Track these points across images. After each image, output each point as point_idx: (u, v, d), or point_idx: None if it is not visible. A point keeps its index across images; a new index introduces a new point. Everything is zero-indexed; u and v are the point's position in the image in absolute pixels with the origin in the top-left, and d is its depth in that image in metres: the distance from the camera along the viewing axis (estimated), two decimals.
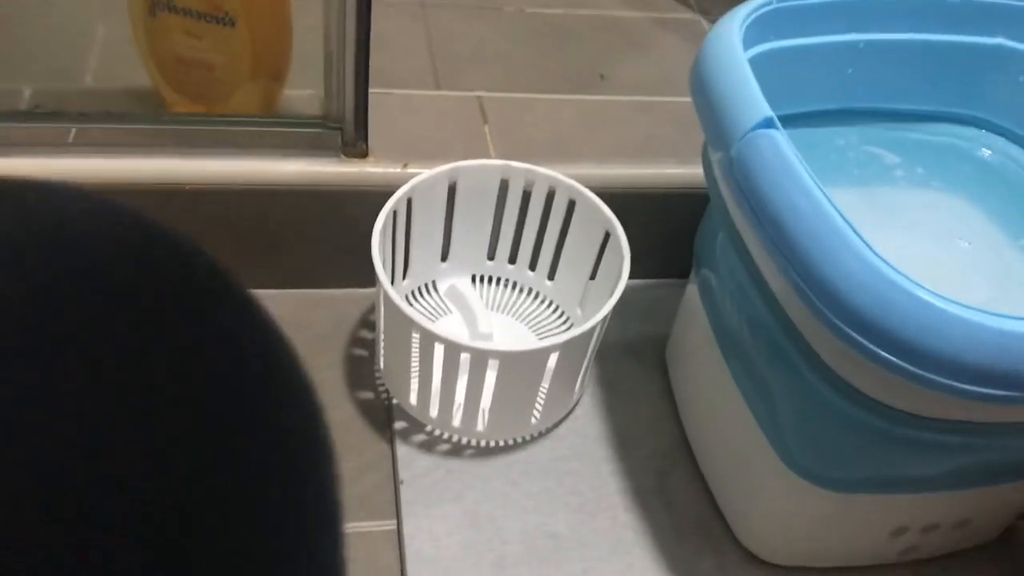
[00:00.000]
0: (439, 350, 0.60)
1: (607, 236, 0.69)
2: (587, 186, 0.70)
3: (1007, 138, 0.66)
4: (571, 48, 0.94)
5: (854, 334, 0.43)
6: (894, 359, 0.43)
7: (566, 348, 0.62)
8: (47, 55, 0.73)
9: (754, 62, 0.56)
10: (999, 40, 0.63)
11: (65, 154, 0.66)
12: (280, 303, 0.74)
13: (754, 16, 0.56)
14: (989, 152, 0.66)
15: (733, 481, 0.63)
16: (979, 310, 0.42)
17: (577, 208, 0.70)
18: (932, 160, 0.66)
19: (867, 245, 0.43)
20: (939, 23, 0.62)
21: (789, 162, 0.46)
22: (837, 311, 0.43)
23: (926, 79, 0.64)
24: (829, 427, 0.53)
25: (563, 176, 0.70)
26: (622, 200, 0.72)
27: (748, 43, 0.56)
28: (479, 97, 0.79)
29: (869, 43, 0.62)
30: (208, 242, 0.71)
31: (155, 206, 0.68)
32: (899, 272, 0.42)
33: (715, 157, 0.52)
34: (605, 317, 0.63)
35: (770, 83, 0.55)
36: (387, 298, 0.61)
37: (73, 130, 0.67)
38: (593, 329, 0.62)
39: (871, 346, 0.43)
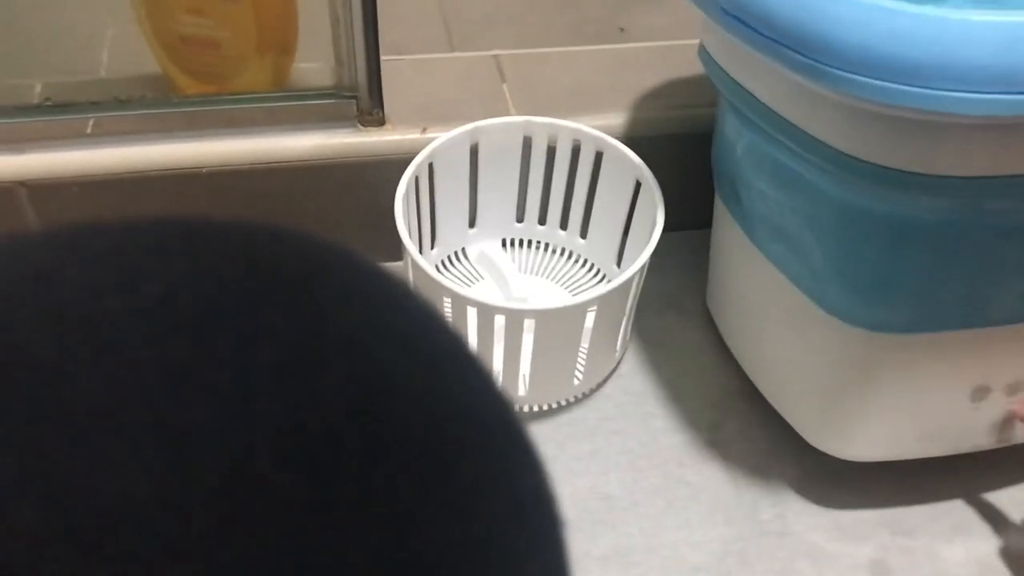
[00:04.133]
0: (472, 315, 0.58)
1: (638, 186, 0.66)
2: (612, 135, 0.68)
3: None
4: (588, 2, 0.92)
5: (856, 76, 0.43)
6: (900, 86, 0.42)
7: (604, 302, 0.59)
8: (55, 47, 0.72)
9: None
10: None
11: (82, 146, 0.65)
12: None
13: None
14: None
15: (794, 377, 0.61)
16: (975, 11, 0.41)
17: (605, 159, 0.68)
18: None
19: None
20: None
21: None
22: (837, 59, 0.43)
23: None
24: (859, 242, 0.51)
25: (587, 127, 0.67)
26: (650, 146, 0.69)
27: None
28: (495, 56, 0.77)
29: None
30: None
31: (174, 190, 0.67)
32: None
33: (709, 10, 0.52)
34: (643, 266, 0.61)
35: None
36: (415, 265, 0.59)
37: (91, 121, 0.66)
38: (631, 280, 0.60)
39: (872, 81, 0.43)
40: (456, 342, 0.18)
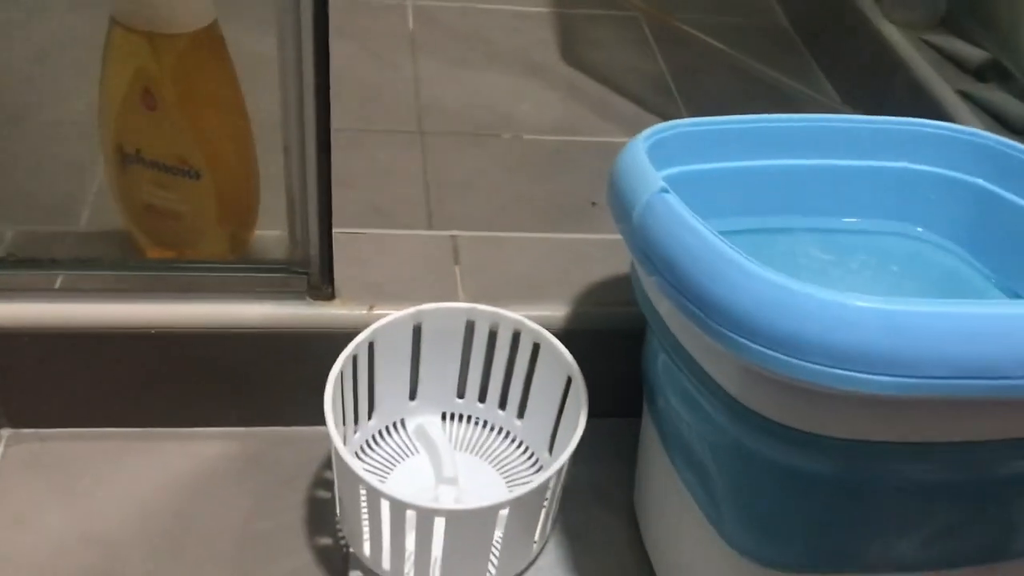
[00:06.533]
0: (385, 506, 0.59)
1: (570, 381, 0.68)
2: (554, 328, 0.70)
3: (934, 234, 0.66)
4: (565, 175, 0.95)
5: (740, 338, 0.45)
6: (778, 355, 0.44)
7: (517, 504, 0.60)
8: (30, 200, 0.76)
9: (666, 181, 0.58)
10: (903, 164, 0.65)
11: (40, 299, 0.68)
12: (247, 441, 0.74)
13: (656, 138, 0.60)
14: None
15: None
16: (857, 295, 0.44)
17: (541, 351, 0.70)
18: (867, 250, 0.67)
19: (743, 256, 0.46)
20: (844, 150, 0.64)
21: (677, 213, 0.51)
22: (724, 320, 0.46)
23: (840, 198, 0.65)
24: (752, 480, 0.52)
25: (527, 319, 0.69)
26: (590, 339, 0.71)
27: (659, 164, 0.57)
28: (453, 236, 0.80)
29: (773, 167, 0.64)
30: (176, 381, 0.71)
31: (126, 348, 0.69)
32: (771, 271, 0.45)
33: (627, 241, 0.55)
34: (560, 470, 0.62)
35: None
36: (336, 451, 0.60)
37: (60, 276, 0.69)
38: (545, 484, 0.61)
39: (755, 346, 0.45)
40: None
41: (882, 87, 1.04)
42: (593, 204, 0.92)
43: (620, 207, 0.56)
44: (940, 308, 0.43)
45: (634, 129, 1.05)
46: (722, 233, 0.60)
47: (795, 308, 0.44)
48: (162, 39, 0.62)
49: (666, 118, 0.62)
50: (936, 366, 0.42)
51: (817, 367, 0.44)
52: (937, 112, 0.94)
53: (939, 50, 1.03)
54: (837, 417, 0.47)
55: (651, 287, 0.57)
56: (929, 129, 0.64)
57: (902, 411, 0.46)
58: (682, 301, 0.48)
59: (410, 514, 0.59)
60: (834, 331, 0.43)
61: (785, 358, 0.44)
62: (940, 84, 0.97)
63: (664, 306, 0.55)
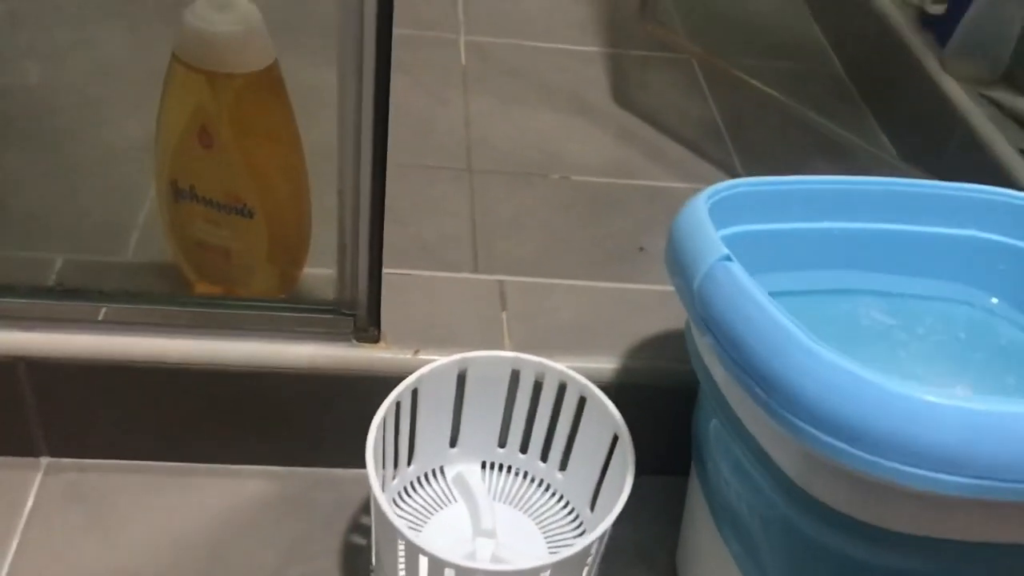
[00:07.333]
0: (423, 562, 0.58)
1: (616, 438, 0.66)
2: (600, 380, 0.68)
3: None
4: (614, 218, 0.94)
5: (805, 425, 0.43)
6: (845, 446, 0.42)
7: (559, 567, 0.59)
8: (80, 230, 0.76)
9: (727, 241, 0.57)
10: (971, 232, 0.63)
11: (86, 331, 0.68)
12: (286, 481, 0.73)
13: (717, 197, 0.58)
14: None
15: None
16: (934, 391, 0.42)
17: (587, 405, 0.68)
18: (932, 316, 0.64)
19: (812, 338, 0.44)
20: (910, 215, 0.63)
21: (741, 284, 0.49)
22: (788, 404, 0.44)
23: (905, 263, 0.64)
24: (807, 566, 0.51)
25: (574, 372, 0.68)
26: (639, 395, 0.70)
27: (720, 223, 0.56)
28: (500, 281, 0.79)
29: (836, 230, 0.62)
30: (217, 418, 0.71)
31: (166, 382, 0.69)
32: (843, 357, 0.43)
33: (686, 305, 0.54)
34: (604, 534, 0.60)
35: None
36: (376, 502, 0.59)
37: (103, 309, 0.69)
38: (588, 548, 0.59)
39: (820, 435, 0.43)
40: None
41: (940, 143, 1.02)
42: (641, 249, 0.90)
43: (679, 269, 0.55)
44: (1019, 408, 0.41)
45: (684, 174, 1.05)
46: (783, 293, 0.59)
47: (865, 398, 0.42)
48: (222, 78, 0.61)
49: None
50: (1017, 470, 0.40)
51: (884, 462, 0.42)
52: (997, 171, 0.92)
53: (1000, 107, 1.01)
54: (905, 512, 0.45)
55: (707, 351, 0.55)
56: (998, 197, 0.63)
57: (976, 511, 0.43)
58: (743, 377, 0.47)
59: (448, 572, 0.58)
60: (905, 427, 0.41)
61: (849, 449, 0.42)
62: (1001, 142, 0.95)
63: (720, 373, 0.53)
